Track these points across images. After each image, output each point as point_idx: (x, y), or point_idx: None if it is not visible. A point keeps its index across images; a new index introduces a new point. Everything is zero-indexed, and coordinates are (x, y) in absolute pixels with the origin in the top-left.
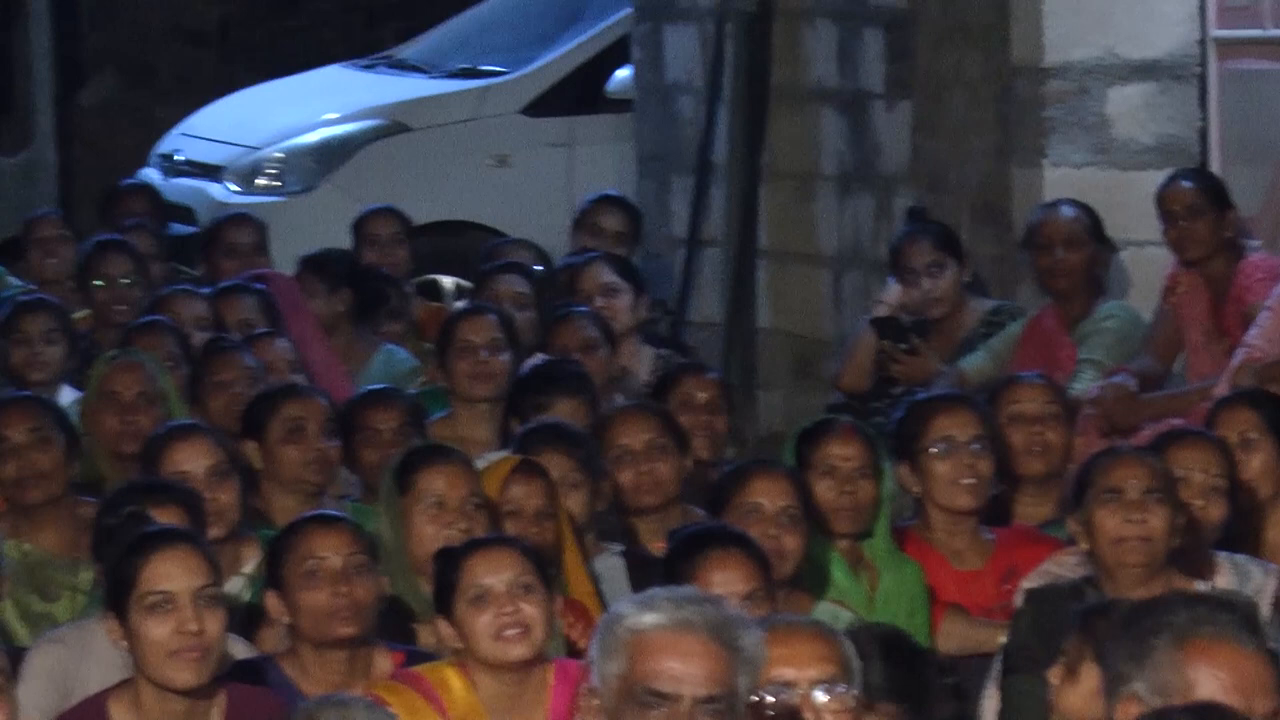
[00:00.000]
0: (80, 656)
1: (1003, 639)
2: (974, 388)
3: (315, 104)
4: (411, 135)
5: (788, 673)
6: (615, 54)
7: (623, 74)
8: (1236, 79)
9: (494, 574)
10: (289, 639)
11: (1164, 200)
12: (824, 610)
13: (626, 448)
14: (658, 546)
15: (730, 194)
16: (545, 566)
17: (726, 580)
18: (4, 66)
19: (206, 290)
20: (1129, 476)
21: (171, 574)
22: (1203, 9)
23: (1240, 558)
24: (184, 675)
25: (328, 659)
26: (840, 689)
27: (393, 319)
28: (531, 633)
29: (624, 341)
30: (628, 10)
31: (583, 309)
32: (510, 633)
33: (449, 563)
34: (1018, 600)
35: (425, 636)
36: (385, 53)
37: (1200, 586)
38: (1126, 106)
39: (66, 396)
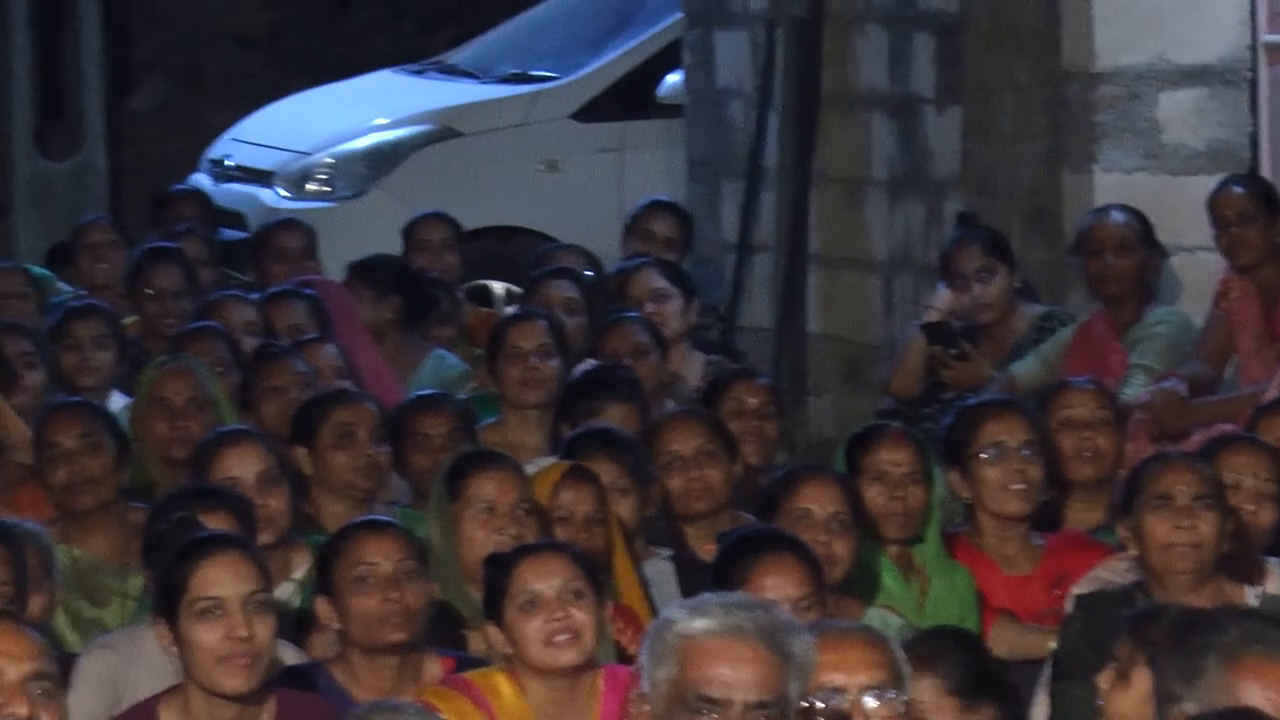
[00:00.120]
0: (130, 662)
1: (1053, 644)
2: (1024, 393)
3: (366, 109)
4: (462, 140)
5: (838, 678)
6: (666, 59)
7: (673, 79)
8: None
9: (544, 580)
10: (339, 645)
11: (1216, 206)
12: (874, 616)
13: (676, 454)
14: (707, 550)
15: (780, 199)
16: (595, 572)
17: (779, 585)
18: (54, 71)
19: (256, 296)
20: (1178, 483)
21: (221, 580)
22: (1254, 14)
23: None
24: (234, 681)
25: (378, 665)
26: (890, 695)
27: (443, 324)
28: (581, 638)
29: (674, 347)
30: (678, 15)
31: (633, 314)
32: (560, 638)
33: (499, 568)
34: (1068, 606)
35: (475, 642)
36: (436, 58)
37: (1250, 592)
38: (1177, 111)
39: (117, 402)
